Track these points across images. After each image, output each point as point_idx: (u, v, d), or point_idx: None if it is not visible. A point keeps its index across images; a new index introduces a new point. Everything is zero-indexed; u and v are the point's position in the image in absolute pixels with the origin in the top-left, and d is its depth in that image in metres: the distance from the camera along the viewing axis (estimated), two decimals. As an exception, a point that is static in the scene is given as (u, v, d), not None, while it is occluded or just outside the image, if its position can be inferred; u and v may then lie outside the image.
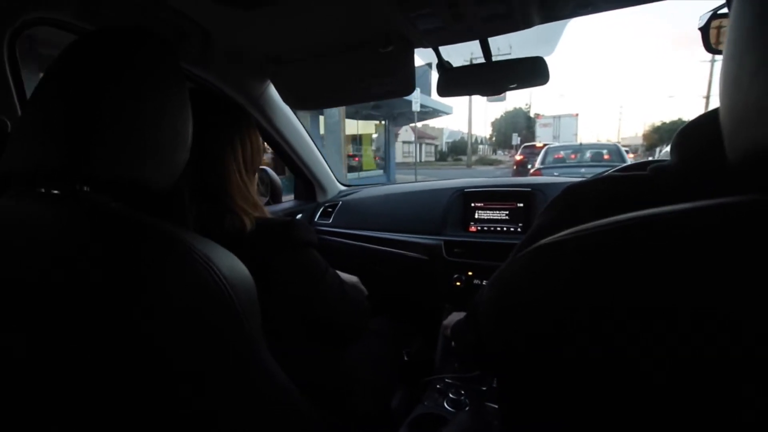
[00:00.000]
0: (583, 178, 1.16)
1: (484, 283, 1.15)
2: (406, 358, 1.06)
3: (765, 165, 0.20)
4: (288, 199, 1.58)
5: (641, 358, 0.22)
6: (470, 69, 1.01)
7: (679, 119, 27.85)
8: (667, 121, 28.88)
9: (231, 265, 0.42)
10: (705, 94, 21.12)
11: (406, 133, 31.65)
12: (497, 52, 0.96)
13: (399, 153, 31.09)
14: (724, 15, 0.40)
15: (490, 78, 0.99)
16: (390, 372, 0.95)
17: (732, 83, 0.22)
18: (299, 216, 1.47)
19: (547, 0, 0.72)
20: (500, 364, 0.44)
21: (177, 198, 0.53)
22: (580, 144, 8.10)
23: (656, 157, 6.92)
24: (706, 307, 0.20)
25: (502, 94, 1.06)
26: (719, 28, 0.46)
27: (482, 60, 0.96)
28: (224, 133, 0.62)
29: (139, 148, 0.43)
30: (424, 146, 36.81)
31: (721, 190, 0.23)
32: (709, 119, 0.34)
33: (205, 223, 0.56)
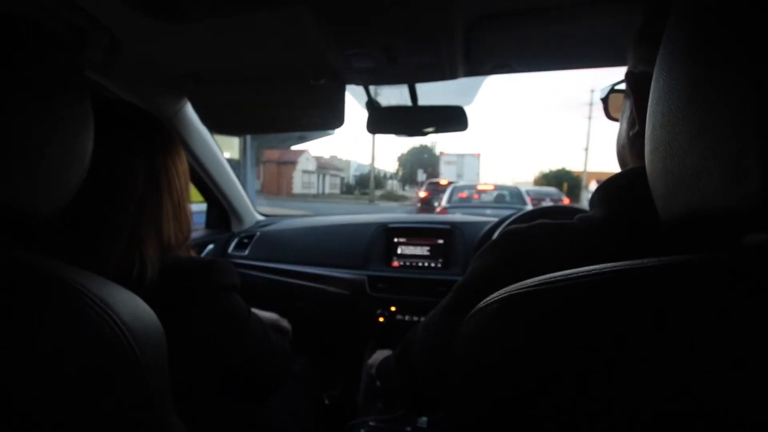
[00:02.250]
0: (493, 220, 1.24)
1: (407, 318, 1.15)
2: (327, 402, 0.99)
3: (703, 224, 0.23)
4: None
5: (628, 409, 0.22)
6: (397, 110, 1.06)
7: (563, 168, 32.66)
8: (554, 169, 33.68)
9: (135, 312, 0.36)
10: (585, 146, 25.17)
11: (307, 161, 30.45)
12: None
13: (298, 183, 29.54)
14: (621, 90, 0.48)
15: (415, 121, 1.05)
16: (310, 419, 0.88)
17: (665, 151, 0.25)
18: (210, 247, 1.34)
19: (470, 57, 0.80)
20: (441, 406, 0.42)
21: (71, 229, 0.44)
22: (485, 184, 8.19)
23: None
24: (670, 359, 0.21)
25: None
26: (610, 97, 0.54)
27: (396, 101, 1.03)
28: (161, 154, 0.53)
29: (15, 164, 0.35)
30: (328, 177, 35.85)
31: (655, 246, 0.25)
32: (628, 179, 0.39)
33: (105, 262, 0.46)
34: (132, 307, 0.36)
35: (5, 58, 0.35)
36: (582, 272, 0.25)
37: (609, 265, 0.24)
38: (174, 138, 0.58)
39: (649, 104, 0.27)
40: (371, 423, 0.89)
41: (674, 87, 0.24)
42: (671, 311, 0.22)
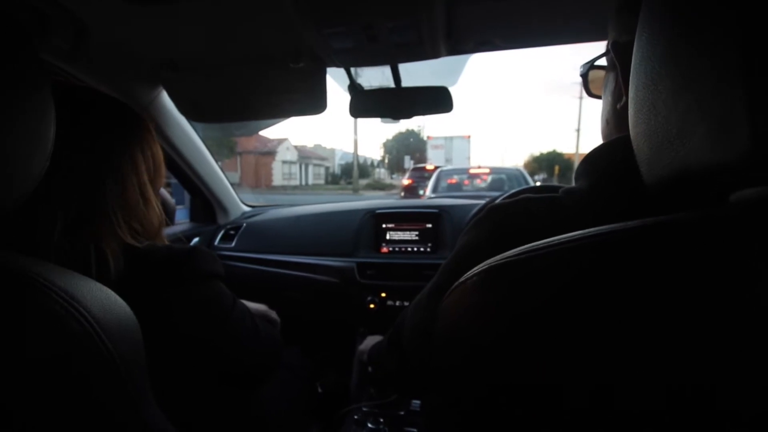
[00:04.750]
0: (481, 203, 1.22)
1: (398, 303, 1.15)
2: (320, 390, 0.99)
3: (688, 185, 0.22)
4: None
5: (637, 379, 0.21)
6: (380, 93, 1.03)
7: (554, 150, 32.16)
8: (545, 151, 33.24)
9: (104, 304, 0.35)
10: (576, 127, 24.82)
11: (287, 151, 29.33)
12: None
13: (278, 174, 28.31)
14: (602, 66, 0.47)
15: (399, 103, 1.03)
16: (304, 408, 0.88)
17: (648, 111, 0.24)
18: (196, 240, 1.32)
19: (453, 34, 0.78)
20: (430, 389, 0.42)
21: (37, 220, 0.42)
22: (479, 166, 6.75)
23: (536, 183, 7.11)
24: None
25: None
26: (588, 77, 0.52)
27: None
28: (122, 141, 0.51)
29: None
30: (312, 167, 34.61)
31: (634, 211, 0.24)
32: (608, 149, 0.38)
33: (77, 254, 0.44)
34: (102, 299, 0.35)
35: None
36: (562, 239, 0.24)
37: (590, 230, 0.23)
38: (141, 124, 0.56)
39: (631, 67, 0.26)
40: (364, 408, 0.89)
41: (656, 43, 0.23)
42: (653, 272, 0.21)
